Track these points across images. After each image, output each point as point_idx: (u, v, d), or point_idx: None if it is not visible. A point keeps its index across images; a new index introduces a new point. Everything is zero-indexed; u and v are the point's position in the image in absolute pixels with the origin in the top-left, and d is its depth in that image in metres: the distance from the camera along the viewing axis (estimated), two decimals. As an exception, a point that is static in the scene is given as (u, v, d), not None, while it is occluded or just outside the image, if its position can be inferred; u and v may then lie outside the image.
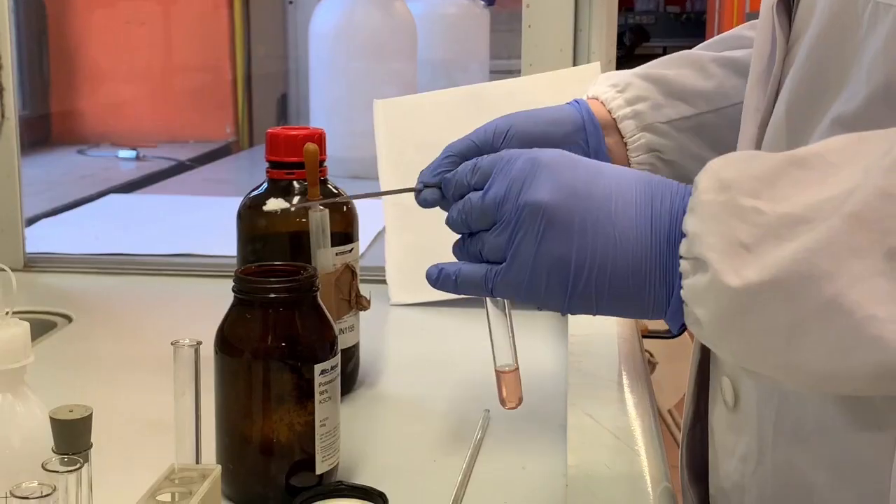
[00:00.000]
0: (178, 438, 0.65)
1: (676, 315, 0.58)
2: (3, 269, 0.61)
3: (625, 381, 0.96)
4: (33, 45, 2.76)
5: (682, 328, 0.59)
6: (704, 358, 0.77)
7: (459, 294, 0.66)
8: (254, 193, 0.98)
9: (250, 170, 2.46)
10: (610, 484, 0.75)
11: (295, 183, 0.97)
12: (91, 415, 0.48)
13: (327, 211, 0.93)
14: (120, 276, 1.42)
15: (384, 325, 1.25)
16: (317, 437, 0.77)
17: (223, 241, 1.46)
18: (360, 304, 0.99)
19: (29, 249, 1.45)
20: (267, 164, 0.98)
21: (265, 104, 2.90)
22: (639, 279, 0.58)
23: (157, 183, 2.26)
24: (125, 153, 2.51)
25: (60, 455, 0.46)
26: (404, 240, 1.32)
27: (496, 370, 0.73)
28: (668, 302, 0.59)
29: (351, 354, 1.00)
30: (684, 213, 0.57)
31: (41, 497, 0.43)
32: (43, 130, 2.76)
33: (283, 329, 0.77)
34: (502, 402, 0.73)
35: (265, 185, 0.98)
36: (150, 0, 2.85)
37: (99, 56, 2.79)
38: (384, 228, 1.39)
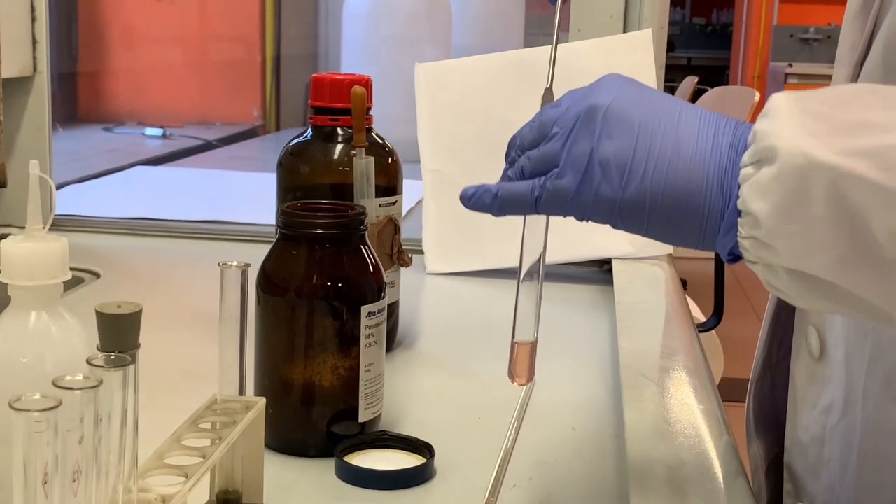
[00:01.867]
0: (221, 368, 0.61)
1: (729, 233, 0.54)
2: (44, 178, 0.58)
3: (677, 343, 0.91)
4: (63, 25, 2.74)
5: (732, 257, 0.55)
6: (781, 307, 0.73)
7: (497, 213, 0.60)
8: (296, 141, 0.95)
9: (277, 150, 2.43)
10: (670, 439, 0.71)
11: (339, 130, 0.93)
12: (140, 311, 0.44)
13: (372, 159, 0.90)
14: (147, 237, 1.39)
15: (420, 293, 1.21)
16: (361, 382, 0.74)
17: (251, 211, 1.44)
18: (403, 259, 0.96)
19: (57, 212, 1.42)
20: (310, 111, 0.94)
21: (294, 88, 2.87)
22: (696, 184, 0.54)
23: (183, 158, 2.23)
24: (152, 131, 2.49)
25: (106, 353, 0.43)
26: (442, 207, 1.28)
27: (513, 341, 0.67)
28: (723, 215, 0.54)
29: (391, 312, 0.96)
30: (749, 132, 0.54)
31: (86, 389, 0.40)
32: (70, 108, 2.73)
33: (330, 267, 0.73)
34: (511, 376, 0.67)
35: (308, 132, 0.94)
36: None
37: (127, 35, 2.76)
38: (420, 201, 1.35)
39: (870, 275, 0.49)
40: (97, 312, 0.44)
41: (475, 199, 0.61)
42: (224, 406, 0.61)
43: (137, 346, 0.44)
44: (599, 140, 0.56)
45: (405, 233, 0.97)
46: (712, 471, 0.66)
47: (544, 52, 1.31)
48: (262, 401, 0.62)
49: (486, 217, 1.31)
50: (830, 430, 0.66)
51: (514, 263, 1.28)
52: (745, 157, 0.52)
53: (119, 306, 0.44)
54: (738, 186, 0.52)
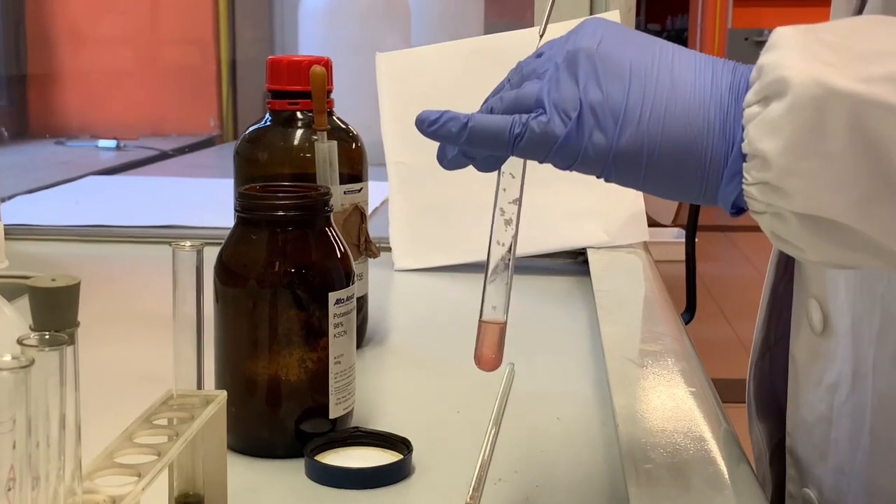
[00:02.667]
0: (176, 361, 0.56)
1: (733, 181, 0.49)
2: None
3: (661, 328, 0.87)
4: (10, 40, 2.67)
5: (735, 210, 0.50)
6: (779, 280, 0.69)
7: (464, 146, 0.53)
8: (254, 127, 0.89)
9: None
10: (664, 423, 0.66)
11: (299, 114, 0.88)
12: (78, 285, 0.39)
13: (335, 143, 0.84)
14: (100, 243, 1.33)
15: (389, 290, 1.16)
16: (331, 375, 0.68)
17: (210, 215, 1.38)
18: (370, 250, 0.90)
19: (5, 222, 1.35)
20: (267, 95, 0.89)
21: (251, 95, 2.81)
22: (696, 128, 0.49)
23: (138, 168, 2.16)
24: (105, 143, 2.42)
25: (40, 333, 0.37)
26: (409, 201, 1.23)
27: (481, 320, 0.61)
28: (727, 161, 0.49)
29: (360, 306, 0.91)
30: (749, 73, 0.50)
31: (15, 369, 0.34)
32: (21, 123, 2.66)
33: (293, 253, 0.68)
34: (477, 359, 0.61)
35: (266, 119, 0.89)
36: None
37: (76, 39, 2.69)
38: (385, 200, 1.30)
39: (893, 214, 0.45)
40: (29, 287, 0.38)
41: (438, 127, 0.53)
42: (181, 401, 0.55)
43: (76, 324, 0.39)
44: (588, 84, 0.51)
45: (371, 231, 0.92)
46: (712, 454, 0.61)
47: (510, 37, 1.28)
48: (223, 394, 0.56)
49: (459, 208, 1.27)
50: (838, 408, 0.62)
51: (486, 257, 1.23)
52: (750, 96, 0.48)
53: (53, 279, 0.39)
54: (742, 129, 0.48)
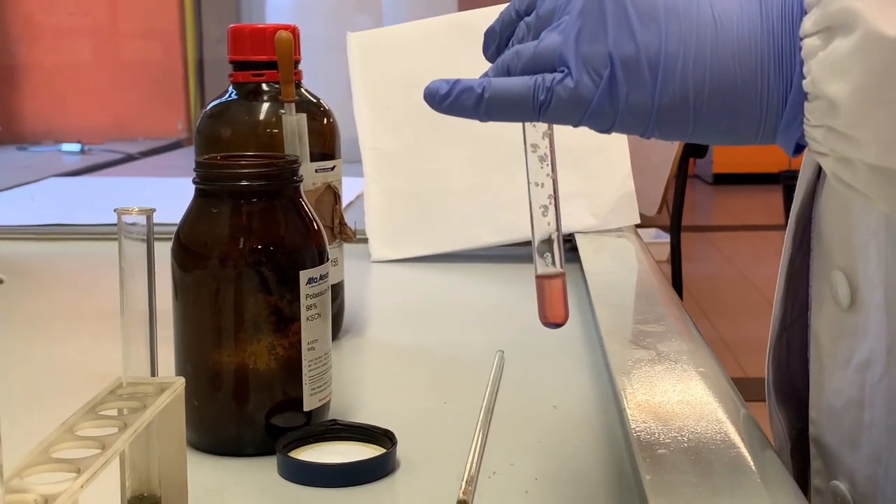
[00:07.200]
0: (124, 343, 0.49)
1: (794, 122, 0.43)
2: None
3: (660, 309, 0.81)
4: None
5: (797, 148, 0.44)
6: (796, 253, 0.62)
7: (484, 118, 0.47)
8: (216, 102, 0.83)
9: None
10: (675, 406, 0.60)
11: (264, 86, 0.81)
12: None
13: (304, 115, 0.78)
14: (59, 241, 1.25)
15: (366, 281, 1.09)
16: (304, 362, 0.62)
17: (174, 212, 1.30)
18: (345, 233, 0.84)
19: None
20: (230, 67, 0.82)
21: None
22: (748, 69, 0.43)
23: (103, 169, 2.08)
24: (69, 146, 2.34)
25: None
26: (385, 188, 1.17)
27: (537, 276, 0.55)
28: (786, 101, 0.44)
29: (335, 294, 0.84)
30: None
31: None
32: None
33: (260, 227, 0.61)
34: (544, 316, 0.55)
35: (230, 92, 0.82)
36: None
37: (36, 45, 2.61)
38: (359, 195, 1.24)
39: None
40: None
41: (452, 101, 0.47)
42: (132, 390, 0.48)
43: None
44: (619, 34, 0.44)
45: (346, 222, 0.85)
46: (731, 438, 0.55)
47: (487, 13, 1.21)
48: (181, 381, 0.49)
49: (436, 196, 1.20)
50: (871, 389, 0.56)
51: (467, 246, 1.17)
52: (808, 24, 0.42)
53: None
54: (802, 63, 0.42)
